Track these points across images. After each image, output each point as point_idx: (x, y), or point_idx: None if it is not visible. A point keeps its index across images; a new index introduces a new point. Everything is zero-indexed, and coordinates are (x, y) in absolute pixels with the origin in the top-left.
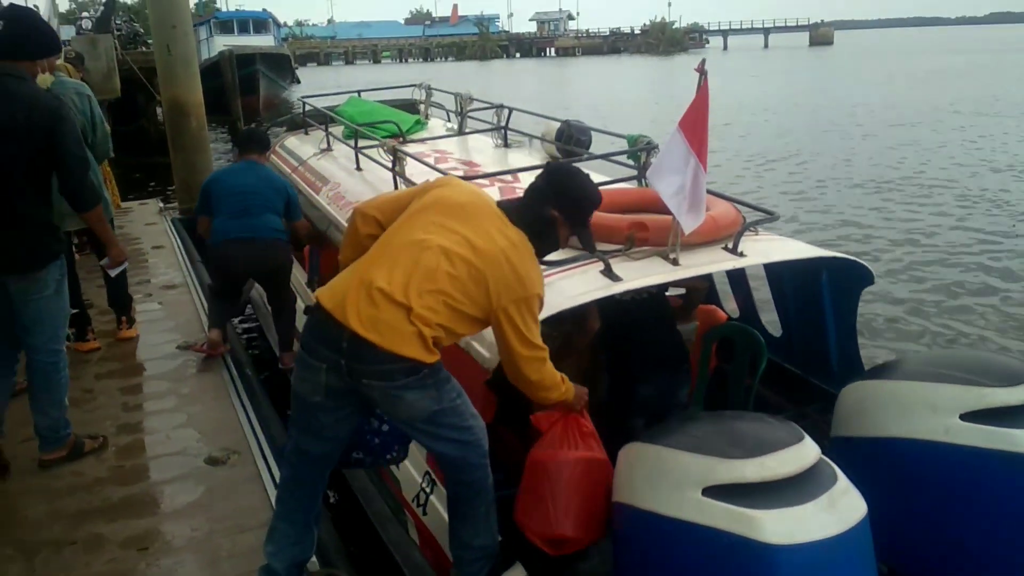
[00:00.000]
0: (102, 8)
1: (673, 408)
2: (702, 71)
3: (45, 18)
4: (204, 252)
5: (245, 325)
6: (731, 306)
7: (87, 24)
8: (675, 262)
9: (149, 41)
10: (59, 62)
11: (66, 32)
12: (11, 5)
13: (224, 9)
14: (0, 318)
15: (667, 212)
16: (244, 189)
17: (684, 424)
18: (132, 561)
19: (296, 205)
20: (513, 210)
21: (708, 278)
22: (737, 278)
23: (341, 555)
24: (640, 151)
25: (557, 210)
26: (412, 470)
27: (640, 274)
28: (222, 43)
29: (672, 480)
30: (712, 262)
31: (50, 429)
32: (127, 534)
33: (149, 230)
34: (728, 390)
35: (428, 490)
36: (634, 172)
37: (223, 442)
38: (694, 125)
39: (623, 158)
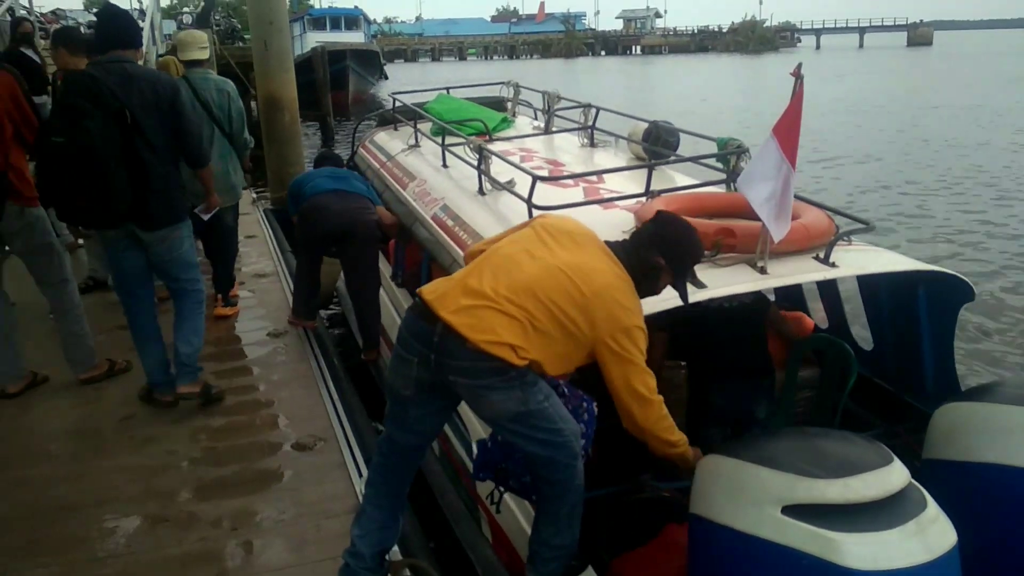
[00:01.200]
0: (202, 4)
1: (752, 422)
2: (798, 75)
3: (148, 12)
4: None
5: (331, 312)
6: (819, 316)
7: (187, 19)
8: (763, 270)
9: (246, 36)
10: (163, 57)
11: (167, 27)
12: (108, 3)
13: (317, 6)
14: (134, 273)
15: (755, 218)
16: (332, 174)
17: (765, 439)
18: (222, 540)
19: (374, 193)
20: (619, 249)
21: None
22: (827, 288)
23: (422, 547)
24: (730, 155)
25: (663, 258)
26: None
27: (726, 281)
28: (315, 39)
29: (751, 496)
30: (802, 272)
31: (190, 356)
32: (217, 514)
33: (242, 220)
34: (814, 404)
35: (502, 488)
36: (722, 176)
37: (310, 429)
38: (788, 131)
39: (711, 161)
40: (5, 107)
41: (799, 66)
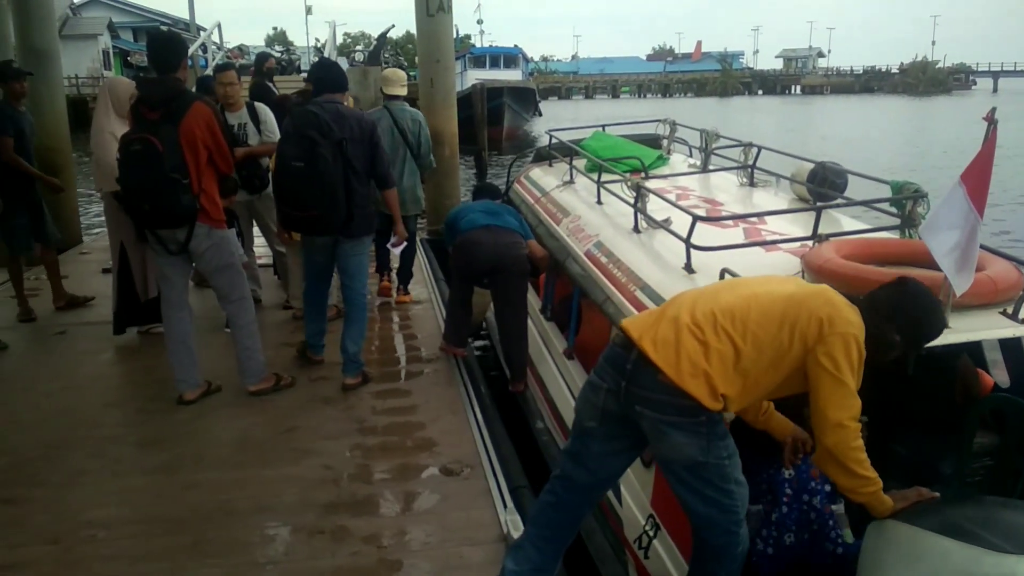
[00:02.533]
0: (374, 43)
1: (935, 480)
2: (991, 120)
3: (327, 51)
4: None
5: (480, 343)
6: (999, 376)
7: (359, 57)
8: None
9: (411, 73)
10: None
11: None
12: (322, 56)
13: (478, 43)
14: (324, 267)
15: (934, 267)
16: (486, 208)
17: (945, 506)
18: (372, 557)
19: (526, 227)
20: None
21: None
22: (1012, 346)
23: None
24: (906, 199)
25: (900, 335)
26: (635, 510)
27: None
28: (474, 76)
29: (929, 567)
30: (988, 327)
31: (355, 354)
32: (369, 531)
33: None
34: (993, 472)
35: (651, 533)
36: (896, 221)
37: (457, 455)
38: (977, 178)
39: (884, 206)
40: (202, 136)
41: (993, 110)
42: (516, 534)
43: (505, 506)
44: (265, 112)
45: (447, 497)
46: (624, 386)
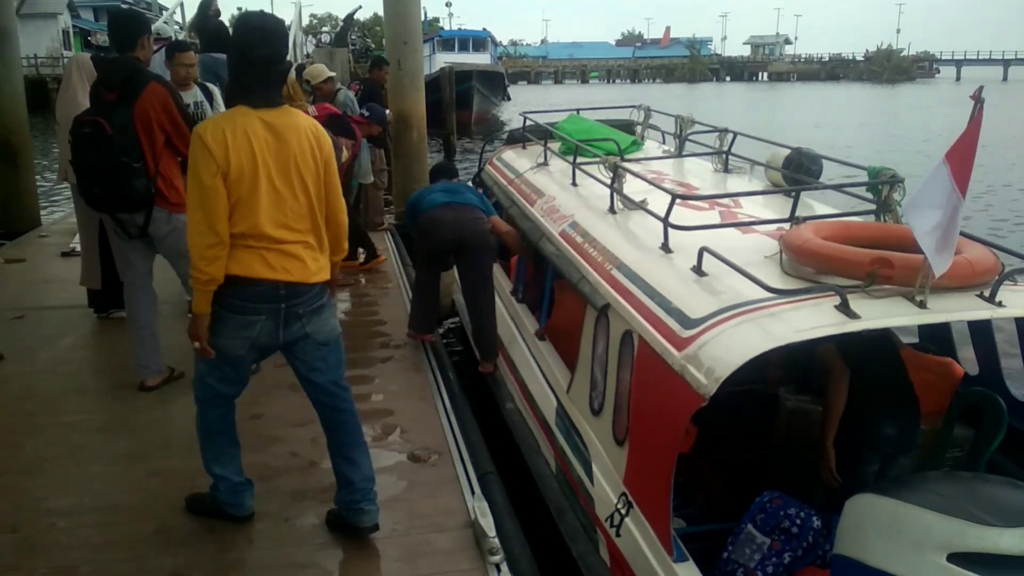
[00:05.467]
0: (341, 24)
1: (910, 451)
2: (978, 99)
3: (292, 32)
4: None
5: (449, 324)
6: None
7: (326, 38)
8: (922, 304)
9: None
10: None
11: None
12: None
13: (447, 27)
14: None
15: (910, 250)
16: (445, 188)
17: (926, 481)
18: (336, 546)
19: (488, 203)
20: None
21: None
22: (981, 331)
23: (533, 570)
24: (882, 184)
25: None
26: (607, 488)
27: (881, 313)
28: (443, 60)
29: (911, 540)
30: (964, 309)
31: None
32: None
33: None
34: (963, 463)
35: (624, 511)
36: (871, 206)
37: (425, 441)
38: (962, 158)
39: (860, 191)
40: (158, 118)
41: (979, 89)
42: (484, 521)
43: (473, 493)
44: (216, 92)
45: (415, 484)
46: None
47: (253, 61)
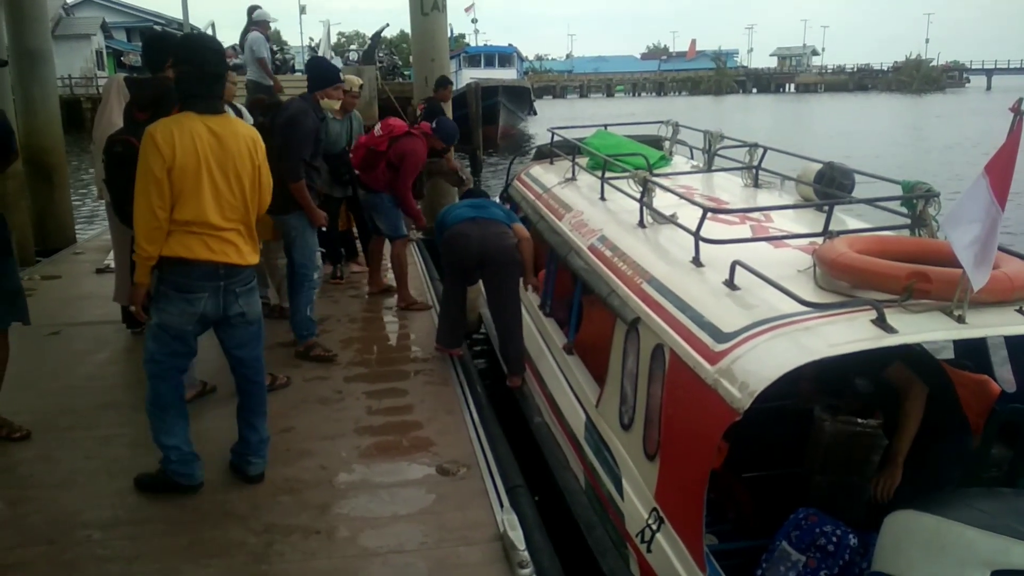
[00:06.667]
0: (369, 42)
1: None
2: (1018, 111)
3: (323, 51)
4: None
5: (477, 338)
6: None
7: (354, 56)
8: (960, 319)
9: (406, 72)
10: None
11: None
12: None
13: (473, 43)
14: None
15: (945, 264)
16: (471, 203)
17: (967, 498)
18: (368, 558)
19: (513, 215)
20: None
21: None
22: (1019, 348)
23: None
24: (917, 199)
25: None
26: (637, 503)
27: (919, 328)
28: (469, 75)
29: (954, 557)
30: (1003, 324)
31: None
32: (365, 531)
33: None
34: (1004, 482)
35: (655, 527)
36: (905, 221)
37: (454, 455)
38: (1001, 171)
39: (893, 205)
40: None
41: (1019, 101)
42: (513, 533)
43: (502, 506)
44: (244, 112)
45: (443, 497)
46: None
47: (207, 75)
